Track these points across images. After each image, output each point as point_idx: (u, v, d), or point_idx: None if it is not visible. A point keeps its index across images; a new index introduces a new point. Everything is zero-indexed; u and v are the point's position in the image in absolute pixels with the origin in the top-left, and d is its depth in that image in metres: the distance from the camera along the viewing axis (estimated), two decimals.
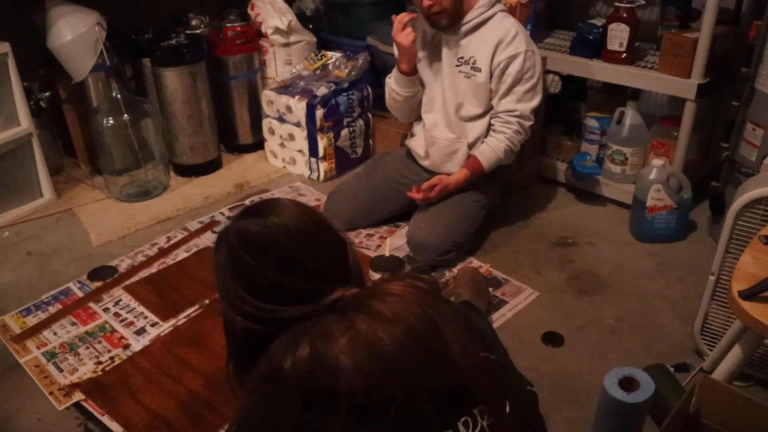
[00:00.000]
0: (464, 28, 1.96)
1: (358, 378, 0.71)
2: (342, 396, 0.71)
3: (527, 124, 2.00)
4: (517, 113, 1.97)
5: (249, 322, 0.85)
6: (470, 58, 1.97)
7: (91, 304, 1.91)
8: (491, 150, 2.01)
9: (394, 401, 0.72)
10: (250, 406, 0.79)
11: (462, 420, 0.77)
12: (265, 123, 2.74)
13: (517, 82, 1.94)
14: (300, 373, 0.73)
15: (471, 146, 2.05)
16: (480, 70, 1.96)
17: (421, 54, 2.08)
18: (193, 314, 1.84)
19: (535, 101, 1.99)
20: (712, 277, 1.55)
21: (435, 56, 2.04)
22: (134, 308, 1.88)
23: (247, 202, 2.47)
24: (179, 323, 1.81)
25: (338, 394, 0.71)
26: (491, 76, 1.96)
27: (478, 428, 0.77)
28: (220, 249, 0.90)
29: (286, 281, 0.84)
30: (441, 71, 2.04)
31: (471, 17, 1.95)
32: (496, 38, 1.92)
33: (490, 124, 2.04)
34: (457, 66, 2.00)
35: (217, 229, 2.27)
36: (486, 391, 0.79)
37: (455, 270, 2.00)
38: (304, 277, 0.84)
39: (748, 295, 1.14)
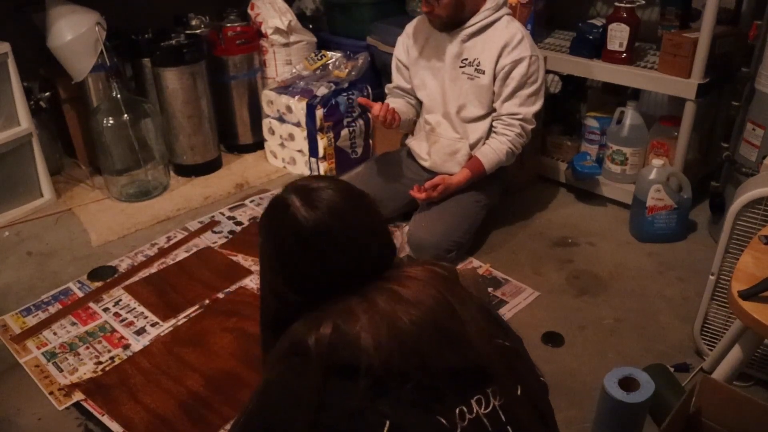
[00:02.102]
0: (469, 30, 1.97)
1: (377, 354, 0.75)
2: (362, 371, 0.75)
3: (529, 127, 2.01)
4: (520, 116, 1.98)
5: (279, 302, 0.90)
6: (474, 59, 1.98)
7: (91, 304, 1.91)
8: (493, 151, 2.01)
9: (411, 377, 0.76)
10: (273, 376, 0.83)
11: (475, 398, 0.80)
12: (265, 123, 2.74)
13: (521, 86, 1.95)
14: (323, 348, 0.77)
15: (473, 147, 2.05)
16: (484, 72, 1.97)
17: (421, 54, 2.09)
18: (193, 314, 1.84)
19: (538, 105, 2.01)
20: (712, 277, 1.55)
21: (437, 57, 2.05)
22: (134, 308, 1.88)
23: (247, 202, 2.47)
24: (179, 323, 1.81)
25: (358, 369, 0.75)
26: (495, 78, 1.97)
27: (490, 407, 0.80)
28: (264, 228, 0.90)
29: (327, 266, 0.85)
30: (443, 72, 2.04)
31: (477, 20, 1.95)
32: (502, 41, 1.93)
33: (491, 126, 2.04)
34: (460, 67, 2.00)
35: (218, 228, 2.27)
36: (499, 372, 0.82)
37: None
38: (351, 261, 0.85)
39: (748, 295, 1.14)
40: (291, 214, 0.84)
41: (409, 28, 2.15)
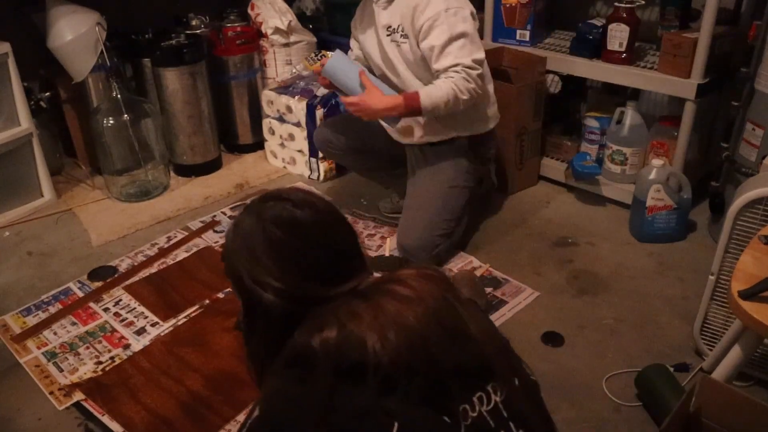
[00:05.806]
0: None
1: (385, 352, 0.76)
2: (370, 369, 0.76)
3: (474, 72, 1.83)
4: (459, 66, 1.81)
5: (274, 296, 0.88)
6: (398, 26, 1.91)
7: (91, 304, 1.91)
8: (434, 86, 1.83)
9: (418, 373, 0.77)
10: (276, 387, 0.82)
11: (477, 395, 0.81)
12: (265, 123, 2.74)
13: (448, 42, 1.81)
14: (330, 350, 0.78)
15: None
16: (407, 37, 1.89)
17: (362, 24, 2.05)
18: (193, 314, 1.85)
19: (477, 54, 1.84)
20: (712, 277, 1.55)
21: (372, 27, 1.99)
22: (134, 308, 1.88)
23: (248, 201, 2.46)
24: (179, 323, 1.81)
25: (366, 368, 0.76)
26: (417, 42, 1.87)
27: (492, 404, 0.82)
28: (243, 229, 0.97)
29: (316, 257, 0.89)
30: (378, 44, 1.98)
31: None
32: (412, 3, 1.84)
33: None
34: (387, 36, 1.94)
35: (219, 228, 2.27)
36: (501, 366, 0.84)
37: (455, 270, 2.00)
38: (331, 256, 0.90)
39: (748, 295, 1.14)
40: (286, 209, 0.94)
41: None
